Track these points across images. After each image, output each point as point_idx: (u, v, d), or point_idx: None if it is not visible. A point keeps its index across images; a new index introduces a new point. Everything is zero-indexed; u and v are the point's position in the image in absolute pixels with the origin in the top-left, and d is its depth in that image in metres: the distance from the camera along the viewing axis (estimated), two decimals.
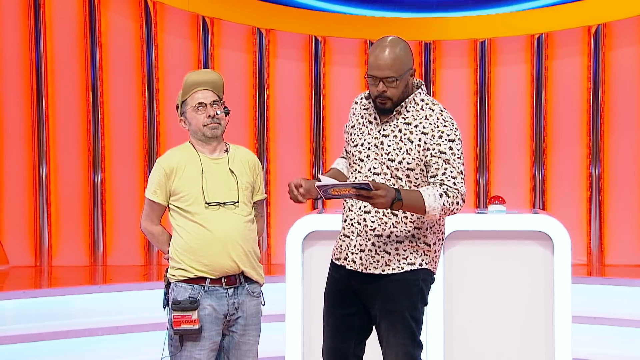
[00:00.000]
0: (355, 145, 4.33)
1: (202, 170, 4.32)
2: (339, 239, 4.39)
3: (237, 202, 4.32)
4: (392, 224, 4.23)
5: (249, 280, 4.39)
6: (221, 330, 4.35)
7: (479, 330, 6.10)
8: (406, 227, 4.24)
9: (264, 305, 4.49)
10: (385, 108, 4.25)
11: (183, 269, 4.32)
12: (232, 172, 4.36)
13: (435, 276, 4.39)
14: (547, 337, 6.00)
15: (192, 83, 4.34)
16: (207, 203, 4.28)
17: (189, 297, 4.28)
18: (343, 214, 4.38)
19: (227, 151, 4.41)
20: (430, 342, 6.00)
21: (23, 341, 7.18)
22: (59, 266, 9.63)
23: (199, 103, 4.33)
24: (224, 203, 4.30)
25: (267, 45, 9.92)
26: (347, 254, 4.33)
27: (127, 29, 9.85)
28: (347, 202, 4.33)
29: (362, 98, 4.44)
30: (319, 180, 4.05)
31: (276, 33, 9.97)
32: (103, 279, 9.08)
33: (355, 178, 4.29)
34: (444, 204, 4.11)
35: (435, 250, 4.33)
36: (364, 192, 3.97)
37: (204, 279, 4.30)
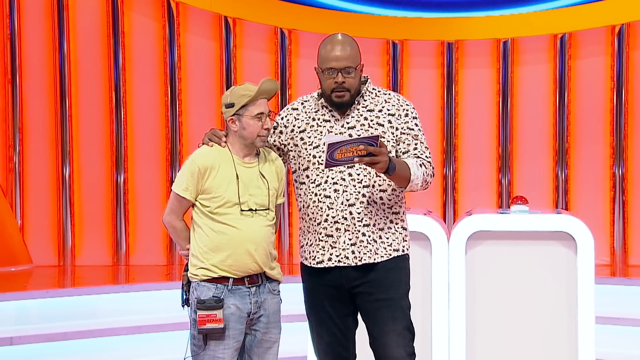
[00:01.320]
0: (314, 147, 4.36)
1: (237, 174, 4.32)
2: (316, 244, 4.37)
3: (268, 208, 4.35)
4: (374, 211, 4.31)
5: (269, 278, 4.40)
6: (244, 329, 4.35)
7: (502, 331, 6.08)
8: (384, 213, 4.34)
9: (281, 302, 4.50)
10: (343, 101, 4.33)
11: (206, 269, 4.32)
12: (263, 176, 4.37)
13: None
14: (570, 337, 5.97)
15: (263, 91, 4.32)
16: (242, 210, 4.29)
17: (213, 296, 4.29)
18: (315, 216, 4.35)
19: (257, 154, 4.41)
20: (453, 343, 5.99)
21: (46, 340, 7.21)
22: (82, 266, 9.67)
23: (261, 113, 4.31)
24: (256, 210, 4.32)
25: (289, 45, 9.93)
26: (332, 253, 4.34)
27: (150, 29, 9.88)
28: (323, 202, 4.32)
29: (301, 103, 4.49)
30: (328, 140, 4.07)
31: (298, 33, 9.98)
32: (126, 278, 9.11)
33: (323, 179, 4.32)
34: (424, 174, 4.28)
35: (407, 235, 4.44)
36: (372, 149, 4.04)
37: (227, 278, 4.31)
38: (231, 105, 4.33)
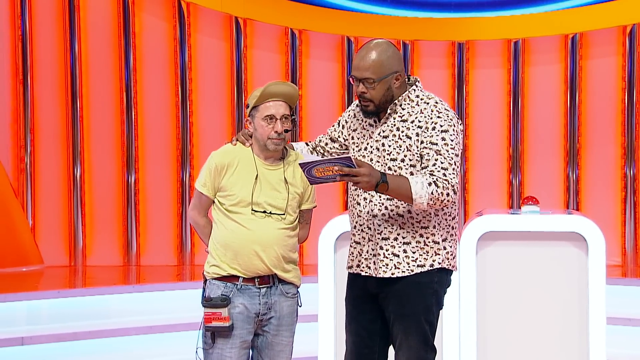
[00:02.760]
0: (359, 150, 4.33)
1: (257, 175, 4.32)
2: (351, 246, 4.39)
3: (284, 213, 4.34)
4: (399, 225, 4.23)
5: (282, 281, 4.39)
6: (253, 330, 4.36)
7: (512, 332, 6.07)
8: (413, 227, 4.23)
9: (300, 306, 4.49)
10: (367, 110, 4.24)
11: (217, 266, 4.34)
12: (285, 181, 4.37)
13: (451, 277, 4.36)
14: (581, 339, 5.96)
15: (268, 93, 4.31)
16: (253, 210, 4.29)
17: (221, 294, 4.30)
18: (351, 220, 4.37)
19: (283, 158, 4.40)
20: (464, 344, 5.99)
21: (58, 340, 7.22)
22: (93, 266, 9.69)
23: (270, 115, 4.30)
24: (270, 213, 4.31)
25: (300, 46, 9.93)
26: (359, 261, 4.33)
27: (161, 30, 9.90)
28: (355, 208, 4.32)
29: None
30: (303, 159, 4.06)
31: (309, 34, 9.98)
32: (137, 279, 9.13)
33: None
34: (432, 193, 4.07)
35: (445, 247, 4.29)
36: (347, 170, 3.96)
37: (237, 277, 4.32)
38: (247, 106, 4.36)
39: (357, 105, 4.41)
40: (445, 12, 10.03)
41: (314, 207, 4.48)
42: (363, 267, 4.32)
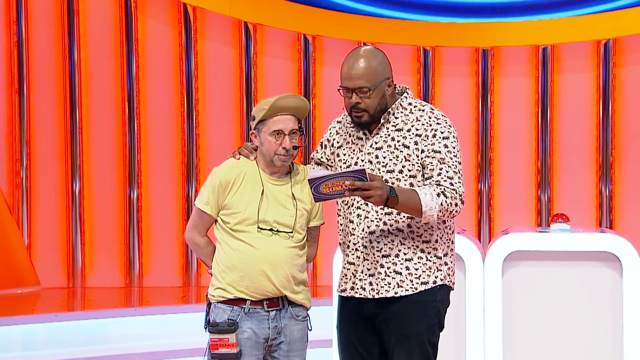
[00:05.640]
0: (348, 167, 4.32)
1: (263, 190, 4.32)
2: (344, 267, 4.38)
3: (292, 231, 4.33)
4: (399, 241, 4.23)
5: (292, 303, 4.38)
6: (262, 356, 4.35)
7: (541, 359, 6.05)
8: (414, 242, 4.24)
9: (310, 330, 4.48)
10: (362, 121, 4.25)
11: (222, 289, 4.33)
12: (293, 196, 4.36)
13: (450, 297, 4.36)
14: None
15: (277, 107, 4.31)
16: (260, 228, 4.29)
17: (228, 319, 4.29)
18: (343, 240, 4.37)
19: (289, 172, 4.40)
20: None
21: None
22: (92, 287, 9.69)
23: (278, 131, 4.30)
24: (277, 231, 4.31)
25: (314, 52, 9.94)
26: (354, 282, 4.32)
27: (165, 35, 9.92)
28: (348, 227, 4.32)
29: (346, 115, 4.42)
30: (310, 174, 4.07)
31: (323, 40, 9.99)
32: (139, 301, 9.13)
33: (351, 202, 4.28)
34: (441, 204, 4.11)
35: (446, 263, 4.31)
36: (359, 184, 3.97)
37: (244, 300, 4.31)
38: (253, 118, 4.35)
39: (338, 122, 4.44)
40: (469, 17, 10.03)
41: (321, 224, 4.48)
42: (358, 289, 4.31)
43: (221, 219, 4.35)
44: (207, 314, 4.40)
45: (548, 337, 6.03)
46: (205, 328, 4.41)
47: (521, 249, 6.03)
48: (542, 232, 6.29)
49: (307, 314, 4.46)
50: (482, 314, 5.92)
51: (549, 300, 6.04)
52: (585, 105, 9.94)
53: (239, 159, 4.40)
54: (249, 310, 4.31)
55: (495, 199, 10.03)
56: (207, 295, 4.41)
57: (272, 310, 4.34)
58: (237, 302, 4.32)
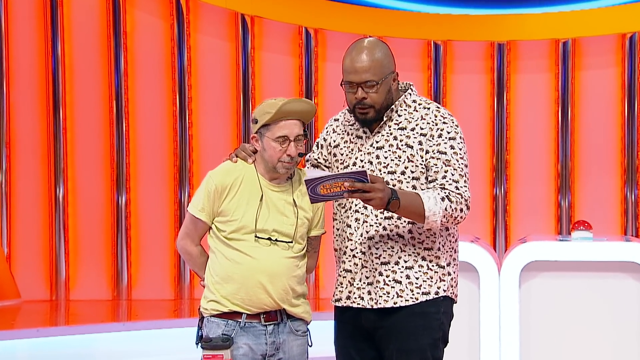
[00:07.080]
0: (345, 167, 4.32)
1: (262, 197, 4.32)
2: (339, 275, 4.37)
3: (292, 241, 4.33)
4: (400, 247, 4.22)
5: (291, 316, 4.38)
6: None
7: None
8: (415, 249, 4.23)
9: (310, 346, 4.48)
10: (367, 118, 4.24)
11: (216, 301, 4.33)
12: (294, 204, 4.36)
13: (454, 309, 4.36)
14: None
15: (283, 112, 4.30)
16: (257, 237, 4.28)
17: (222, 334, 4.29)
18: (339, 246, 4.36)
19: (290, 177, 4.40)
20: None
21: None
22: (77, 300, 9.70)
23: (283, 137, 4.30)
24: (276, 240, 4.31)
25: (316, 47, 9.95)
26: (350, 291, 4.31)
27: (156, 29, 9.94)
28: (345, 232, 4.32)
29: (344, 113, 4.42)
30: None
31: (325, 33, 10.00)
32: (127, 315, 9.15)
33: (348, 205, 4.27)
34: (445, 209, 4.10)
35: (449, 273, 4.30)
36: (359, 185, 3.96)
37: (239, 313, 4.31)
38: (255, 122, 4.34)
39: (335, 120, 4.44)
40: (483, 8, 10.05)
41: (322, 234, 4.48)
42: (355, 298, 4.30)
43: (216, 226, 4.35)
44: (200, 328, 4.40)
45: (569, 353, 6.05)
46: (197, 344, 4.40)
47: (540, 259, 6.04)
48: (562, 240, 6.30)
49: (307, 329, 4.46)
50: (498, 329, 5.93)
51: (569, 314, 6.05)
52: (609, 103, 9.95)
53: (236, 162, 4.39)
54: (244, 324, 4.31)
55: (511, 204, 10.03)
56: (199, 309, 4.41)
57: (270, 325, 4.33)
58: (232, 315, 4.31)
